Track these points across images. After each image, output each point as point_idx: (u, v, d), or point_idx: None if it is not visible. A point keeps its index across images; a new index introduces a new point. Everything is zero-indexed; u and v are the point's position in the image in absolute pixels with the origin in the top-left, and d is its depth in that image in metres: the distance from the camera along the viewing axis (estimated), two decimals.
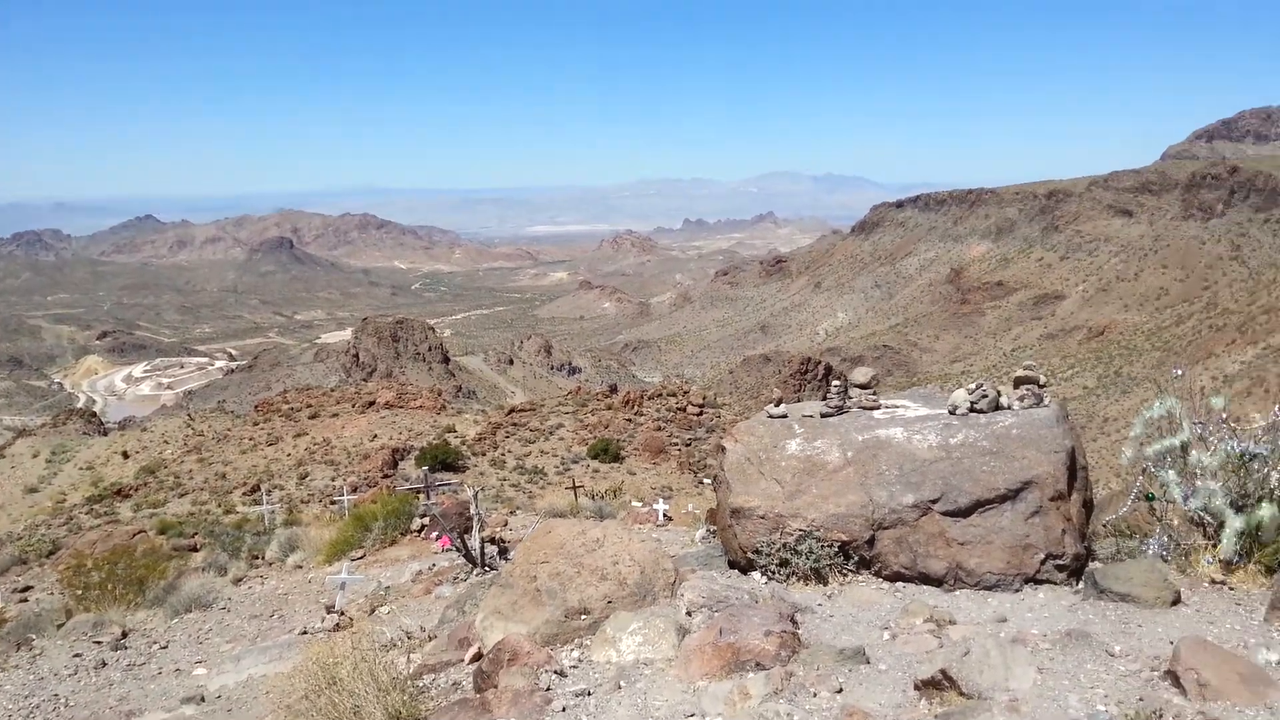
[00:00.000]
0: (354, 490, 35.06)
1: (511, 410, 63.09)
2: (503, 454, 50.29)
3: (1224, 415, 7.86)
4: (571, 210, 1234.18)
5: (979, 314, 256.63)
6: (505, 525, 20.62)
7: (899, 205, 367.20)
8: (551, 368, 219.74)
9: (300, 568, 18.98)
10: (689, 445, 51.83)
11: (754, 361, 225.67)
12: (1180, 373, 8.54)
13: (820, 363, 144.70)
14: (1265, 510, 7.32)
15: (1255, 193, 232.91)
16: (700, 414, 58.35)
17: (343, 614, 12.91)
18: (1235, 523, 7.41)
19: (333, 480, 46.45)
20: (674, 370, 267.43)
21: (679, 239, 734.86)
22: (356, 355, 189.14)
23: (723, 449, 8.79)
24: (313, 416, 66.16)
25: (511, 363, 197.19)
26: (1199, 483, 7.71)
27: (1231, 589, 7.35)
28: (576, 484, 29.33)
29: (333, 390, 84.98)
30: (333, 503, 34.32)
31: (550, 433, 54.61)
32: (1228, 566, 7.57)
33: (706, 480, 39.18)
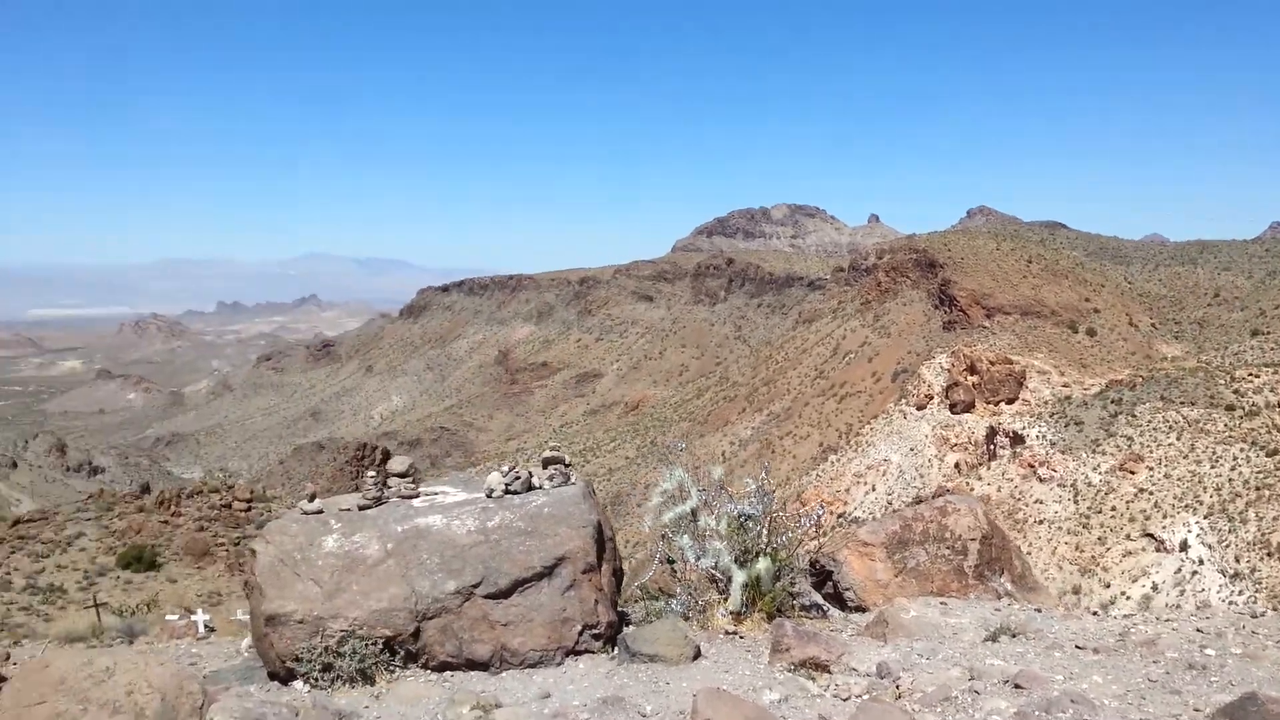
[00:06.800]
0: None
1: (17, 521, 54.63)
2: (7, 573, 43.35)
3: (721, 483, 8.97)
4: (78, 292, 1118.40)
5: (528, 393, 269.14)
6: (7, 660, 17.68)
7: (445, 289, 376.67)
8: (67, 469, 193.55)
9: None
10: (238, 544, 48.20)
11: (306, 450, 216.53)
12: (683, 446, 9.65)
13: (377, 448, 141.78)
14: (762, 564, 8.45)
15: (749, 281, 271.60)
16: (249, 509, 54.63)
17: None
18: (739, 577, 8.45)
19: None
20: (216, 464, 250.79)
21: (213, 323, 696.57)
22: None
23: (253, 552, 8.28)
24: None
25: (15, 466, 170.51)
26: (709, 544, 8.69)
27: (742, 637, 8.29)
28: (98, 601, 26.03)
29: None
30: None
31: (68, 544, 48.05)
32: (738, 617, 8.55)
33: None
